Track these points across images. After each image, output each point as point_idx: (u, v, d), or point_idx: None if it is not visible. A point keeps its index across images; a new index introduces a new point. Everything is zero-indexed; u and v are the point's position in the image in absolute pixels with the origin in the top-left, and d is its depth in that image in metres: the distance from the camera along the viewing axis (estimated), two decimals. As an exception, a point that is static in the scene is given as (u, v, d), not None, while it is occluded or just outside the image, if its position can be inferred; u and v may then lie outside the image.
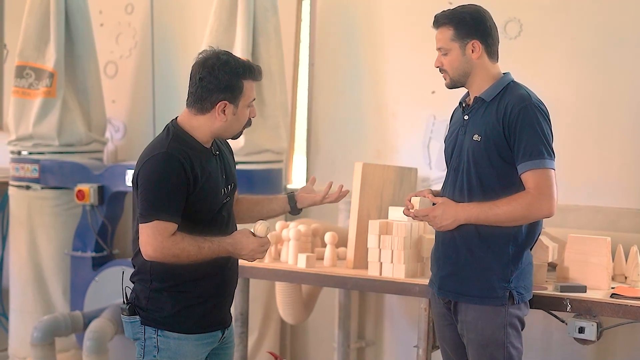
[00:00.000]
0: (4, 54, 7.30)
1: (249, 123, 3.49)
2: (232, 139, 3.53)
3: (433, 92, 5.47)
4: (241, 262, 4.74)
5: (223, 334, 3.55)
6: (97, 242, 6.12)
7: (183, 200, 3.29)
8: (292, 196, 3.77)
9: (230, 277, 3.56)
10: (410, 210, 3.77)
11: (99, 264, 6.11)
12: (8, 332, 6.48)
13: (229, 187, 3.52)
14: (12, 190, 6.37)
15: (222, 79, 3.33)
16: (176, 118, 3.46)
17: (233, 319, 4.80)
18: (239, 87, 3.36)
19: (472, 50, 3.66)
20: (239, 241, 3.38)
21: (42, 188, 6.22)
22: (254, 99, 3.46)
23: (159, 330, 3.39)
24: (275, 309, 5.52)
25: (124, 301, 3.47)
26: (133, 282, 3.48)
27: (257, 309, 5.55)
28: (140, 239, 3.30)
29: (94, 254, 6.13)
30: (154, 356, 3.40)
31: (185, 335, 3.40)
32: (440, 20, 3.71)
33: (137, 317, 3.42)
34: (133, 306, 3.43)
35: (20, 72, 6.26)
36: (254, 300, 5.26)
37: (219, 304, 3.49)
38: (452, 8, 3.73)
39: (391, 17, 5.69)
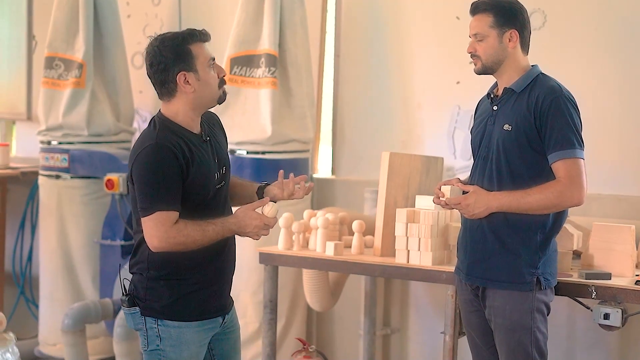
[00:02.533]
0: (33, 45, 7.37)
1: (222, 82, 3.44)
2: (217, 103, 3.47)
3: (458, 83, 5.50)
4: (268, 249, 4.89)
5: (224, 320, 3.54)
6: (126, 231, 6.17)
7: (180, 188, 3.29)
8: (262, 188, 3.66)
9: (228, 264, 3.54)
10: (442, 198, 3.82)
11: (127, 252, 6.13)
12: (38, 319, 6.59)
13: (221, 170, 3.49)
14: (42, 180, 6.46)
15: (167, 53, 3.32)
16: (159, 111, 3.44)
17: (263, 306, 4.91)
18: (187, 52, 3.33)
19: (509, 40, 3.73)
20: (242, 219, 3.37)
21: (72, 177, 6.30)
22: (213, 58, 3.41)
23: (158, 320, 3.39)
24: (302, 296, 5.57)
25: (123, 293, 3.47)
26: (132, 274, 3.48)
27: (284, 296, 5.60)
28: (145, 232, 3.30)
29: (123, 242, 6.19)
30: (157, 345, 3.41)
31: (184, 323, 3.40)
32: (481, 7, 3.76)
33: (137, 308, 3.42)
34: (132, 297, 3.43)
35: (50, 63, 6.35)
36: (282, 288, 5.30)
37: (216, 291, 3.48)
38: None
39: (417, 7, 5.70)
